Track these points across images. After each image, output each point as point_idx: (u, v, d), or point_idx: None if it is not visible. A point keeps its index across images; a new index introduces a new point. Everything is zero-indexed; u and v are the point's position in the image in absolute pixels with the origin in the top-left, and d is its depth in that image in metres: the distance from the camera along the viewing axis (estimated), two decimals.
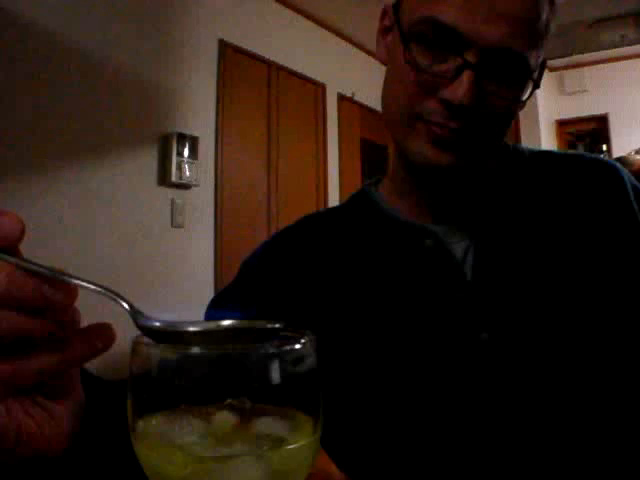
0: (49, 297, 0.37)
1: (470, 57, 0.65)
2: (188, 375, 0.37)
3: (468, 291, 0.74)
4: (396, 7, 0.73)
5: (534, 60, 0.69)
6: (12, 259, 0.36)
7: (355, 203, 0.89)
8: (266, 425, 0.37)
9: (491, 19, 0.64)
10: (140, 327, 0.39)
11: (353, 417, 0.75)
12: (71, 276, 0.38)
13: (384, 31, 0.79)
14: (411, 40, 0.69)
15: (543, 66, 0.73)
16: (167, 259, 3.33)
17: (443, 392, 0.72)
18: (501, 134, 0.76)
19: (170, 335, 0.39)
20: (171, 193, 3.38)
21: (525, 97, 0.71)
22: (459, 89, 0.66)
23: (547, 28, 0.70)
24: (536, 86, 0.71)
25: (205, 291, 3.47)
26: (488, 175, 0.81)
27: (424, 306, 0.75)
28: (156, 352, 0.38)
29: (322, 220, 0.90)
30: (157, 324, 0.39)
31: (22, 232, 0.37)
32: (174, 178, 3.33)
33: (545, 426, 0.69)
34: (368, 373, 0.75)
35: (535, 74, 0.71)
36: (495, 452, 0.69)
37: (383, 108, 0.76)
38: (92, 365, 0.44)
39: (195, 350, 0.36)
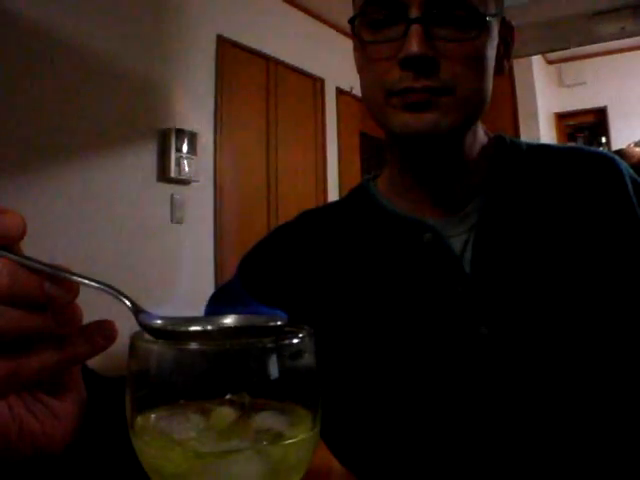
0: (51, 294, 0.37)
1: (413, 13, 0.69)
2: (186, 371, 0.37)
3: (467, 285, 0.74)
4: (352, 18, 0.77)
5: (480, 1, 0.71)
6: (14, 256, 0.37)
7: (354, 198, 0.89)
8: (265, 420, 0.37)
9: None
10: (142, 324, 0.39)
11: (352, 411, 0.75)
12: (73, 273, 0.38)
13: (354, 46, 0.82)
14: (362, 25, 0.74)
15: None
16: (166, 255, 3.33)
17: (442, 386, 0.72)
18: (477, 89, 0.75)
19: (171, 332, 0.39)
20: (170, 189, 3.38)
21: (491, 43, 0.74)
22: (411, 42, 0.68)
23: None
24: (505, 24, 0.78)
25: (205, 287, 3.48)
26: (485, 165, 0.81)
27: (423, 300, 0.75)
28: (154, 348, 0.38)
29: (321, 216, 0.90)
30: (159, 321, 0.39)
31: (24, 230, 0.37)
32: (173, 174, 3.33)
33: (545, 420, 0.69)
34: (367, 367, 0.75)
35: (491, 11, 0.73)
36: (494, 446, 0.69)
37: (365, 102, 0.79)
38: (94, 362, 0.44)
39: (193, 346, 0.36)
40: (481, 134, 0.83)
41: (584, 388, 0.69)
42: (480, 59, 0.73)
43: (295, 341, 0.37)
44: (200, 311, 0.85)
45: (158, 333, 0.39)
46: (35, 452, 0.42)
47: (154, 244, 3.26)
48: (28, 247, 0.39)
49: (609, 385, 0.70)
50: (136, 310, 0.40)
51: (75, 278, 0.38)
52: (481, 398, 0.70)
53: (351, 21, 0.76)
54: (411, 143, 0.76)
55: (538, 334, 0.70)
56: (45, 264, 0.37)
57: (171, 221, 3.38)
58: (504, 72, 0.81)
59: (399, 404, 0.73)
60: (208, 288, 3.47)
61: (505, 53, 0.80)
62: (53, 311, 0.38)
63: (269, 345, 0.36)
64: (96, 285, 0.38)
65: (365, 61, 0.76)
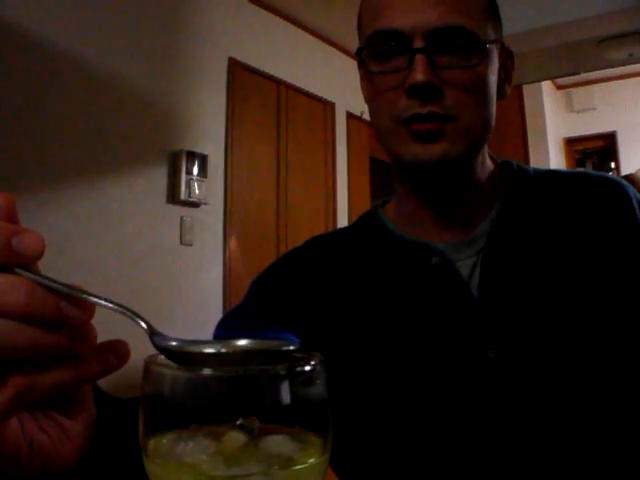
0: (67, 313, 0.38)
1: (417, 44, 0.72)
2: (199, 395, 0.37)
3: (474, 308, 0.75)
4: (359, 50, 0.80)
5: (478, 27, 0.74)
6: (32, 275, 0.37)
7: (362, 224, 0.90)
8: (276, 445, 0.37)
9: (420, 8, 0.72)
10: (156, 346, 0.40)
11: (361, 437, 0.75)
12: (89, 294, 0.38)
13: (361, 76, 0.85)
14: (368, 57, 0.77)
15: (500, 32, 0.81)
16: (176, 277, 3.34)
17: (450, 410, 0.72)
18: (480, 114, 0.77)
19: (186, 354, 0.39)
20: (180, 211, 3.39)
21: (491, 69, 0.77)
22: (417, 70, 0.71)
23: None
24: (507, 53, 0.83)
25: (214, 309, 3.48)
26: (492, 190, 0.82)
27: (431, 324, 0.76)
28: (168, 372, 0.38)
29: (330, 241, 0.90)
30: (173, 343, 0.40)
31: (43, 249, 0.38)
32: (183, 196, 3.34)
33: (552, 444, 0.69)
34: (376, 392, 0.75)
35: (490, 38, 0.76)
36: (504, 470, 0.69)
37: (375, 131, 0.81)
38: (105, 381, 0.44)
39: (206, 371, 0.37)
40: (488, 159, 0.84)
41: (591, 411, 0.69)
42: (482, 84, 0.75)
43: (307, 368, 0.38)
44: (209, 333, 0.86)
45: (172, 355, 0.39)
46: (44, 469, 0.42)
47: (163, 266, 3.26)
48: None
49: (617, 409, 0.69)
50: (151, 332, 0.40)
51: (91, 299, 0.38)
52: (489, 421, 0.70)
53: (358, 53, 0.79)
54: (420, 172, 0.77)
55: (545, 358, 0.71)
56: (62, 283, 0.38)
57: (180, 243, 3.39)
58: (506, 96, 0.83)
59: (407, 428, 0.73)
60: (216, 310, 3.48)
61: (506, 78, 0.83)
62: (68, 330, 0.38)
63: (282, 372, 0.37)
64: (112, 306, 0.39)
65: (373, 91, 0.79)
